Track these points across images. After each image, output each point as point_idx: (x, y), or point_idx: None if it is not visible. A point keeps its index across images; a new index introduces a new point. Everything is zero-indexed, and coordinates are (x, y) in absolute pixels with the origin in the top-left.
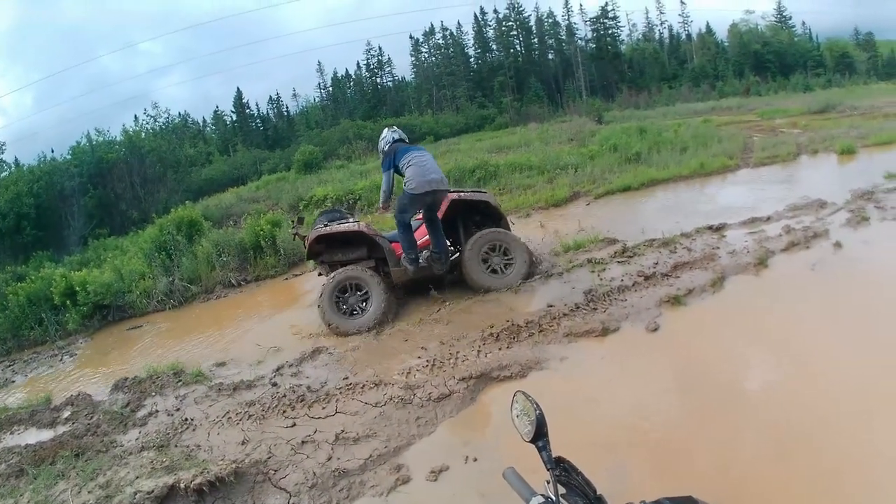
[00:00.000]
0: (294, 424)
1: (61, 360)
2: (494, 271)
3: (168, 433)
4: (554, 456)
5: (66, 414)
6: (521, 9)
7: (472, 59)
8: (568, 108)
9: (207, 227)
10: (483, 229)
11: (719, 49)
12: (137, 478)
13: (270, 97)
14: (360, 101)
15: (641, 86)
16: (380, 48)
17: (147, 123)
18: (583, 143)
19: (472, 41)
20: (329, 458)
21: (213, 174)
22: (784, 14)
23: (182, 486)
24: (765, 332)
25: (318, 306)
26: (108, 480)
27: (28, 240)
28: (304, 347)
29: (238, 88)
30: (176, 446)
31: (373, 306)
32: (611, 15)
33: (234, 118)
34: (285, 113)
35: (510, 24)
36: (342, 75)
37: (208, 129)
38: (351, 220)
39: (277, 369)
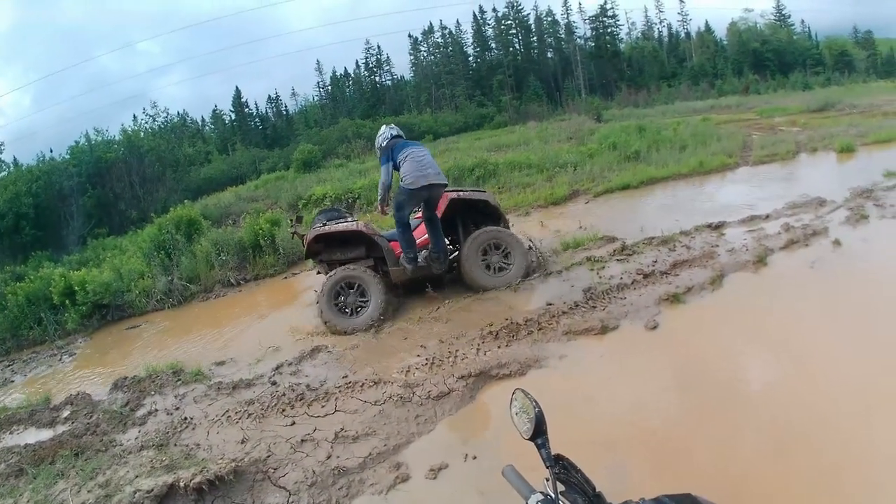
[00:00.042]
0: (293, 423)
1: (60, 359)
2: (493, 270)
3: (167, 432)
4: (553, 454)
5: (66, 413)
6: (519, 7)
7: (471, 58)
8: (567, 106)
9: (206, 226)
10: (482, 228)
11: (718, 47)
12: (137, 477)
13: (269, 96)
14: (358, 99)
15: (640, 84)
16: (379, 47)
17: (146, 123)
18: (582, 141)
19: (470, 40)
20: (328, 457)
21: (211, 173)
22: (783, 12)
23: (181, 484)
24: (764, 331)
25: (317, 303)
26: (107, 479)
27: (27, 239)
28: (304, 346)
29: (237, 87)
30: (175, 445)
31: (371, 305)
32: (610, 13)
33: (233, 117)
34: (284, 112)
35: (509, 22)
36: (341, 74)
37: (207, 128)
38: (349, 219)
39: (277, 368)
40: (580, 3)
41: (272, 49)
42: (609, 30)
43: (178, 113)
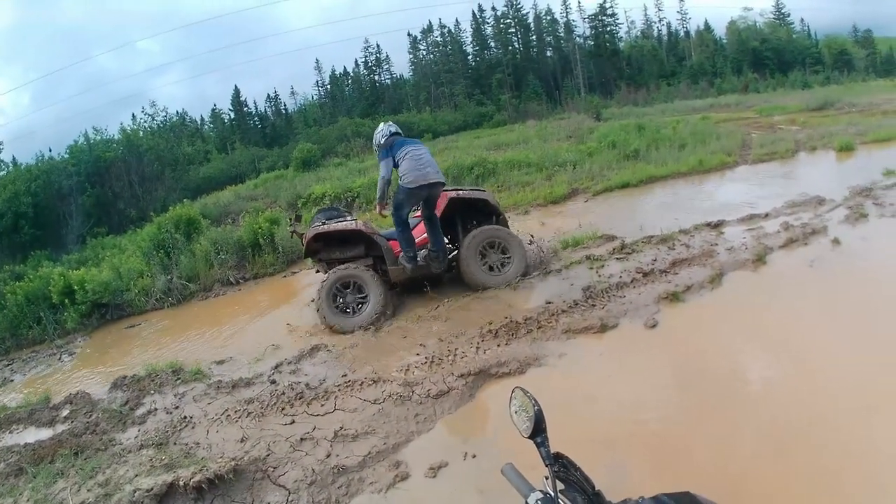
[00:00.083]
0: (293, 422)
1: (60, 358)
2: (492, 268)
3: (167, 431)
4: (552, 452)
5: (65, 412)
6: (519, 6)
7: (470, 57)
8: (566, 105)
9: (206, 225)
10: (481, 227)
11: (718, 46)
12: (137, 476)
13: (268, 95)
14: (358, 98)
15: (640, 83)
16: (378, 46)
17: (145, 122)
18: (581, 140)
19: (470, 39)
20: (328, 455)
21: (211, 172)
22: (782, 11)
23: (181, 483)
24: (763, 329)
25: (316, 303)
26: (107, 479)
27: (26, 239)
28: (303, 345)
29: (236, 86)
30: (175, 444)
31: (370, 304)
32: (609, 12)
33: (232, 116)
34: (283, 111)
35: (508, 21)
36: (340, 73)
37: (206, 127)
38: (348, 218)
39: (276, 367)
40: (579, 2)
41: (271, 48)
42: (608, 28)
43: (178, 112)
